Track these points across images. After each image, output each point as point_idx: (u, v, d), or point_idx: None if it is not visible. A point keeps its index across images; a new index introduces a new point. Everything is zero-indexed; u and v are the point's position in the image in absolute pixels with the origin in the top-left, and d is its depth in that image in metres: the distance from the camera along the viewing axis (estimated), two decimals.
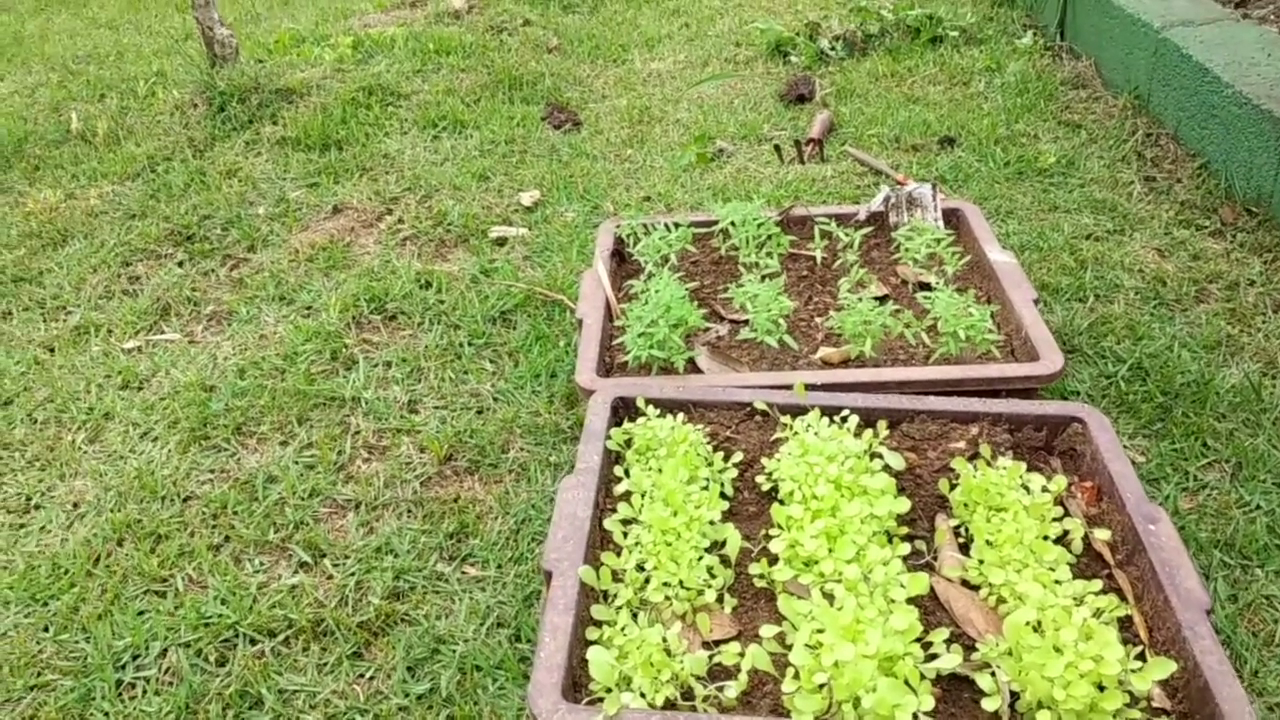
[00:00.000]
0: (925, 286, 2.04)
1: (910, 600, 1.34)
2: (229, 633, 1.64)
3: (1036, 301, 1.92)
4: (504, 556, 1.77)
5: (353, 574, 1.74)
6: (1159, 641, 1.34)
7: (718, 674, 1.30)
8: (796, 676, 1.22)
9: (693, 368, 1.87)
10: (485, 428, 2.07)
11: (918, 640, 1.25)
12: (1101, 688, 1.21)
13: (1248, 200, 2.63)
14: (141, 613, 1.70)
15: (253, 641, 1.63)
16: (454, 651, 1.59)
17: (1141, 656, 1.32)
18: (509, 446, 2.03)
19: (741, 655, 1.27)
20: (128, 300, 2.65)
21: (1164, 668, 1.19)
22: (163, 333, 2.52)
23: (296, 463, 2.01)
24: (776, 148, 3.10)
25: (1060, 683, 1.20)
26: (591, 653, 1.24)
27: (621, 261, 2.22)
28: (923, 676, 1.25)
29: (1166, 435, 1.97)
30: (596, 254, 2.14)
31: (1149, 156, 2.97)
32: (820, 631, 1.24)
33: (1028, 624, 1.27)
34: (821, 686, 1.20)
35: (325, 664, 1.59)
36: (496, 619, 1.65)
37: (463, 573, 1.75)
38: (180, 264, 2.80)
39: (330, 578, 1.75)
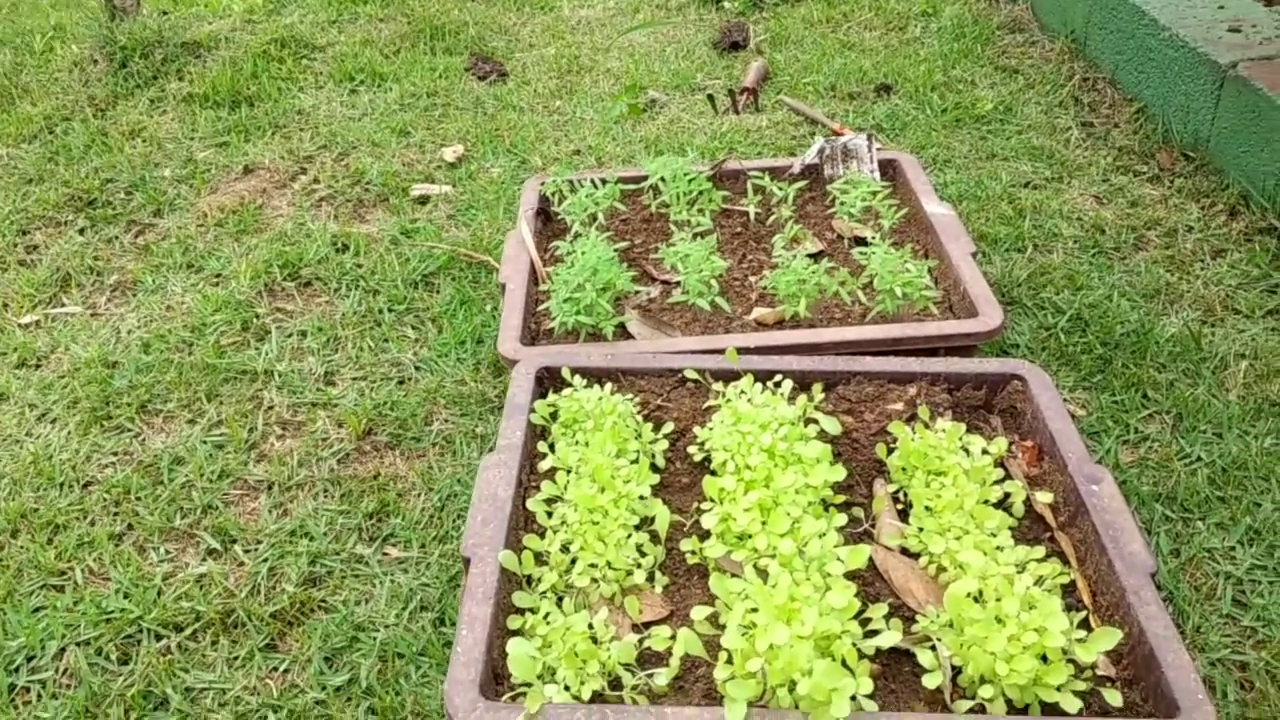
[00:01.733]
0: (861, 241, 1.97)
1: (849, 574, 1.28)
2: (132, 629, 1.54)
3: (975, 255, 1.86)
4: (427, 536, 1.68)
5: (265, 560, 1.64)
6: (1103, 606, 1.30)
7: (649, 659, 1.23)
8: (730, 660, 1.16)
9: (623, 333, 1.78)
10: (407, 399, 1.97)
11: (856, 616, 1.19)
12: (1045, 659, 1.16)
13: (1185, 145, 2.60)
14: (37, 609, 1.59)
15: (158, 637, 1.53)
16: (374, 639, 1.51)
17: (1086, 624, 1.28)
18: (432, 418, 1.93)
19: (673, 639, 1.20)
20: (24, 271, 2.48)
21: (1109, 638, 1.14)
22: (63, 305, 2.36)
23: (205, 442, 1.89)
24: (710, 98, 3.00)
25: (1003, 656, 1.15)
26: (512, 644, 1.17)
27: (548, 220, 2.11)
28: (861, 655, 1.19)
29: (1107, 387, 1.94)
30: (520, 214, 2.03)
31: (1086, 101, 2.93)
32: (754, 611, 1.17)
33: (969, 595, 1.22)
34: (756, 671, 1.13)
35: (236, 658, 1.50)
36: (420, 602, 1.57)
37: (383, 554, 1.66)
38: (81, 231, 2.63)
39: (241, 565, 1.64)
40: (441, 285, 2.30)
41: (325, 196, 2.68)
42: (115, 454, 1.89)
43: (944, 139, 2.78)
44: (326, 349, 2.13)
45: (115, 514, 1.75)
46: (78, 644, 1.52)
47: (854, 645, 1.17)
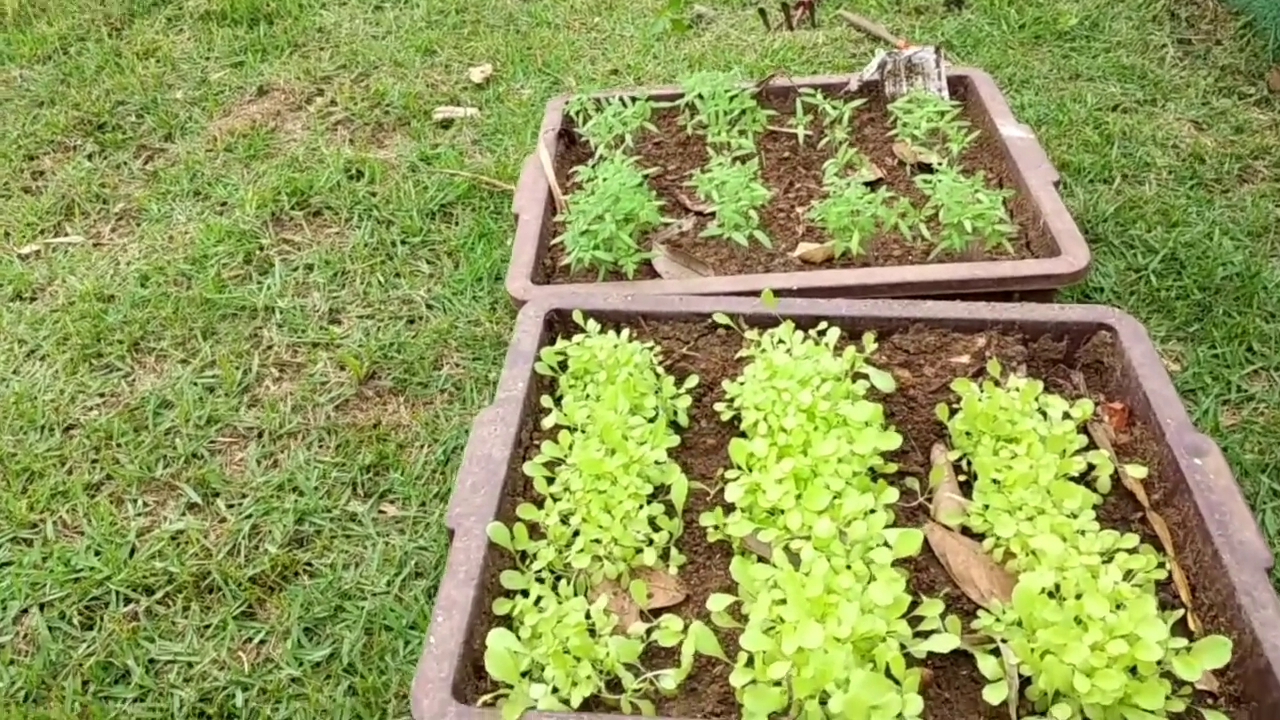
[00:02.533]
0: (926, 169, 1.73)
1: (899, 560, 1.08)
2: (99, 590, 1.40)
3: (1057, 184, 1.61)
4: (428, 493, 1.52)
5: (249, 517, 1.49)
6: (1205, 605, 1.08)
7: (657, 655, 1.05)
8: (750, 663, 0.97)
9: (649, 271, 1.57)
10: (416, 340, 1.80)
11: (906, 614, 0.99)
12: (1135, 671, 0.96)
13: None
14: (2, 565, 1.46)
15: (125, 600, 1.39)
16: (361, 609, 1.35)
17: (1184, 625, 1.07)
18: (442, 362, 1.76)
19: (685, 632, 1.01)
20: (29, 199, 2.33)
21: (1218, 651, 0.93)
22: (65, 235, 2.22)
23: (195, 384, 1.74)
24: (761, 11, 2.72)
25: (1084, 668, 0.94)
26: (493, 636, 0.99)
27: (572, 144, 1.90)
28: (911, 661, 1.00)
29: (1205, 338, 1.69)
30: (540, 136, 1.82)
31: (1184, 16, 2.61)
32: (782, 604, 0.98)
33: (1043, 590, 1.02)
34: (781, 678, 0.95)
35: (208, 626, 1.35)
36: (414, 568, 1.41)
37: (379, 513, 1.50)
38: (90, 157, 2.47)
39: (223, 521, 1.50)
40: (461, 216, 2.11)
41: (342, 120, 2.49)
42: (101, 395, 1.75)
43: (1022, 57, 2.49)
44: (333, 284, 1.96)
45: (95, 461, 1.61)
46: (40, 606, 1.39)
47: (902, 650, 0.97)
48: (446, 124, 2.45)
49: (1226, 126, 2.20)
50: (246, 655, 1.32)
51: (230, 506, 1.52)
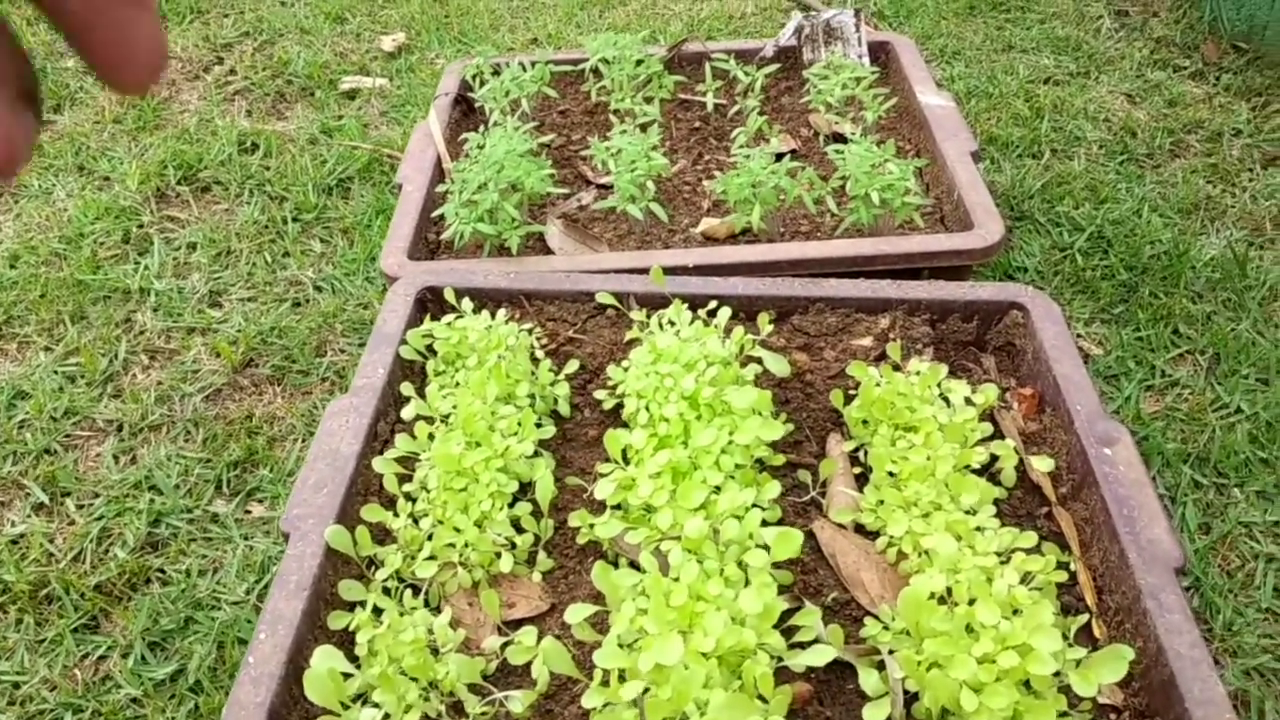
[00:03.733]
0: (840, 139, 1.63)
1: (783, 562, 0.98)
2: None
3: (977, 156, 1.52)
4: None
5: (99, 518, 1.37)
6: (1110, 609, 1.00)
7: (512, 673, 0.95)
8: (606, 682, 0.87)
9: (543, 248, 1.46)
10: (300, 324, 1.67)
11: (781, 623, 0.90)
12: (1029, 685, 0.87)
13: (1235, 35, 2.22)
14: None
15: None
16: (214, 620, 1.24)
17: (1088, 631, 0.99)
18: (326, 348, 1.64)
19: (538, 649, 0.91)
20: None
21: (1117, 663, 0.84)
22: None
23: (56, 373, 1.60)
24: None
25: (973, 683, 0.86)
26: (318, 656, 0.88)
27: (470, 112, 1.78)
28: (790, 676, 0.91)
29: (1130, 320, 1.61)
30: (433, 102, 1.70)
31: None
32: (644, 614, 0.88)
33: (931, 595, 0.93)
34: (637, 699, 0.85)
35: (42, 641, 1.23)
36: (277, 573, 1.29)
37: (244, 513, 1.38)
38: None
39: (71, 524, 1.37)
40: (359, 191, 1.98)
41: (240, 90, 2.34)
42: None
43: (955, 28, 2.40)
44: (216, 264, 1.83)
45: None
46: None
47: (777, 663, 0.88)
48: (352, 95, 2.31)
49: (1160, 99, 2.12)
50: (82, 673, 1.20)
51: (80, 507, 1.39)
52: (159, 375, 1.60)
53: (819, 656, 0.88)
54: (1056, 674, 0.86)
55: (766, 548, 0.94)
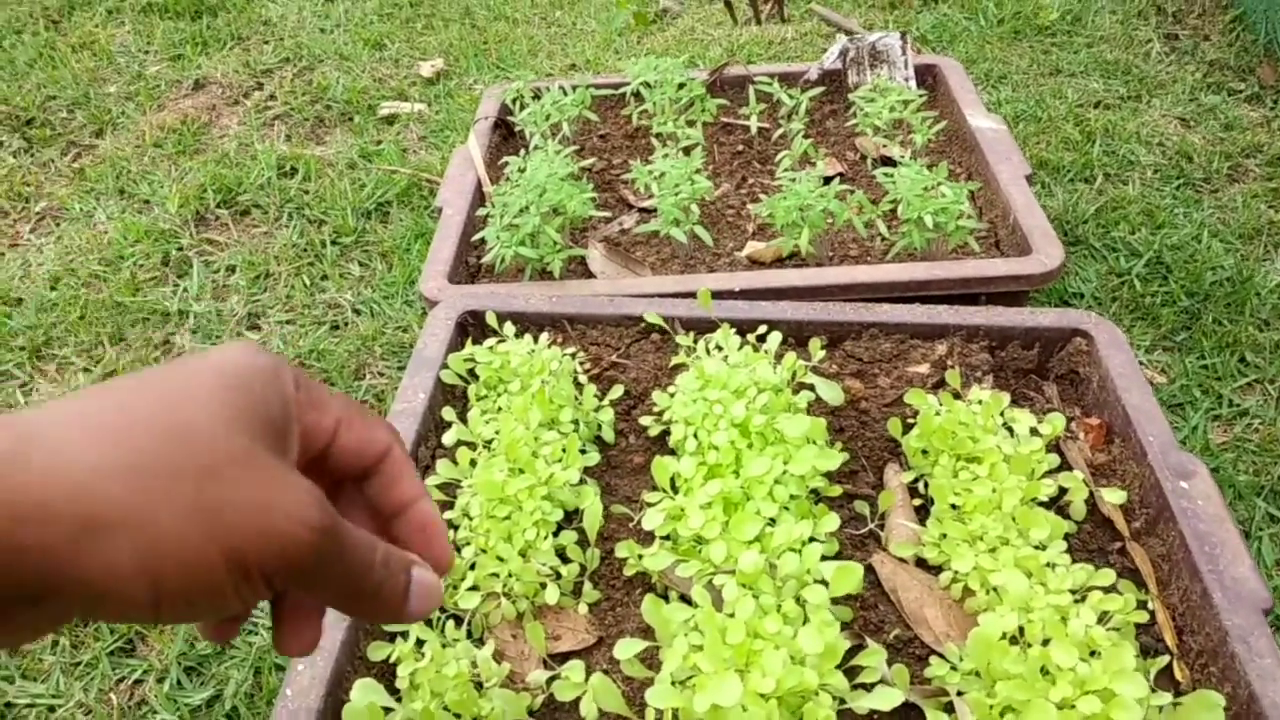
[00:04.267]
0: (889, 161, 1.59)
1: (840, 599, 0.93)
2: None
3: (1030, 179, 1.48)
4: None
5: None
6: (1192, 651, 0.94)
7: (558, 710, 0.90)
8: None
9: (584, 272, 1.43)
10: (339, 347, 1.65)
11: (843, 660, 0.85)
12: None
13: None
14: None
15: None
16: (250, 645, 1.20)
17: (1169, 674, 0.93)
18: (364, 371, 1.61)
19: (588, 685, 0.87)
20: None
21: (1209, 713, 0.79)
22: None
23: None
24: (729, 4, 2.60)
25: None
26: (358, 690, 0.84)
27: (509, 136, 1.76)
28: (850, 719, 0.86)
29: (1194, 348, 1.55)
30: (473, 126, 1.69)
31: (1170, 10, 2.49)
32: (698, 650, 0.84)
33: (1003, 635, 0.88)
34: None
35: (78, 664, 1.20)
36: None
37: None
38: (15, 154, 2.33)
39: None
40: (398, 215, 1.97)
41: (280, 115, 2.34)
42: None
43: (1000, 52, 2.36)
44: (254, 287, 1.81)
45: None
46: None
47: (839, 705, 0.83)
48: (391, 120, 2.31)
49: (1215, 123, 2.07)
50: (118, 697, 1.17)
51: None
52: None
53: (886, 700, 0.83)
54: None
55: (825, 583, 0.89)
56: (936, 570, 1.03)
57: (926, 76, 1.78)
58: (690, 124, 1.63)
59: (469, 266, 1.46)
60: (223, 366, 0.46)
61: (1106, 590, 0.92)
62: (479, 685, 0.88)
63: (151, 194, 2.07)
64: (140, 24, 2.79)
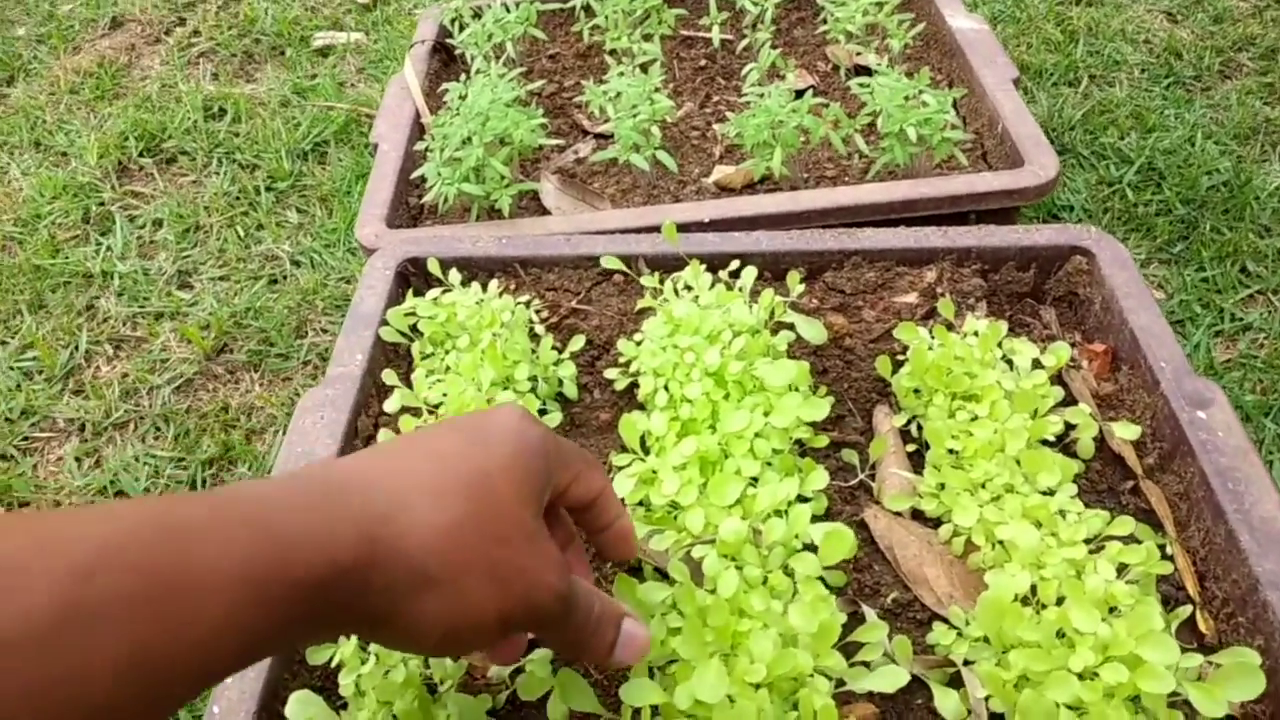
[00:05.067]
0: (864, 71, 1.47)
1: (831, 566, 0.84)
2: None
3: (1017, 83, 1.36)
4: None
5: None
6: (1216, 599, 0.86)
7: (524, 709, 0.81)
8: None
9: (538, 208, 1.31)
10: (277, 303, 1.53)
11: (839, 638, 0.76)
12: (1137, 701, 0.73)
13: None
14: None
15: None
16: None
17: (1190, 625, 0.85)
18: (306, 328, 1.49)
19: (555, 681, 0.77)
20: None
21: (1249, 678, 0.70)
22: None
23: (13, 369, 1.46)
24: None
25: (1072, 702, 0.72)
26: (294, 703, 0.75)
27: (450, 61, 1.62)
28: (849, 698, 0.77)
29: (1192, 259, 1.46)
30: (409, 52, 1.54)
31: None
32: (676, 634, 0.75)
33: (1015, 597, 0.79)
34: None
35: None
36: None
37: None
38: None
39: None
40: (337, 155, 1.82)
41: (205, 51, 2.17)
42: None
43: None
44: (184, 241, 1.67)
45: None
46: None
47: (837, 687, 0.74)
48: (326, 52, 2.14)
49: (1204, 16, 1.95)
50: None
51: None
52: (124, 367, 1.45)
53: (890, 680, 0.74)
54: (1176, 695, 0.72)
55: (814, 548, 0.80)
56: (935, 523, 0.94)
57: None
58: (647, 38, 1.49)
59: (410, 208, 1.33)
60: (513, 437, 0.54)
61: (1125, 541, 0.83)
62: (433, 689, 0.78)
63: (69, 145, 1.91)
64: None
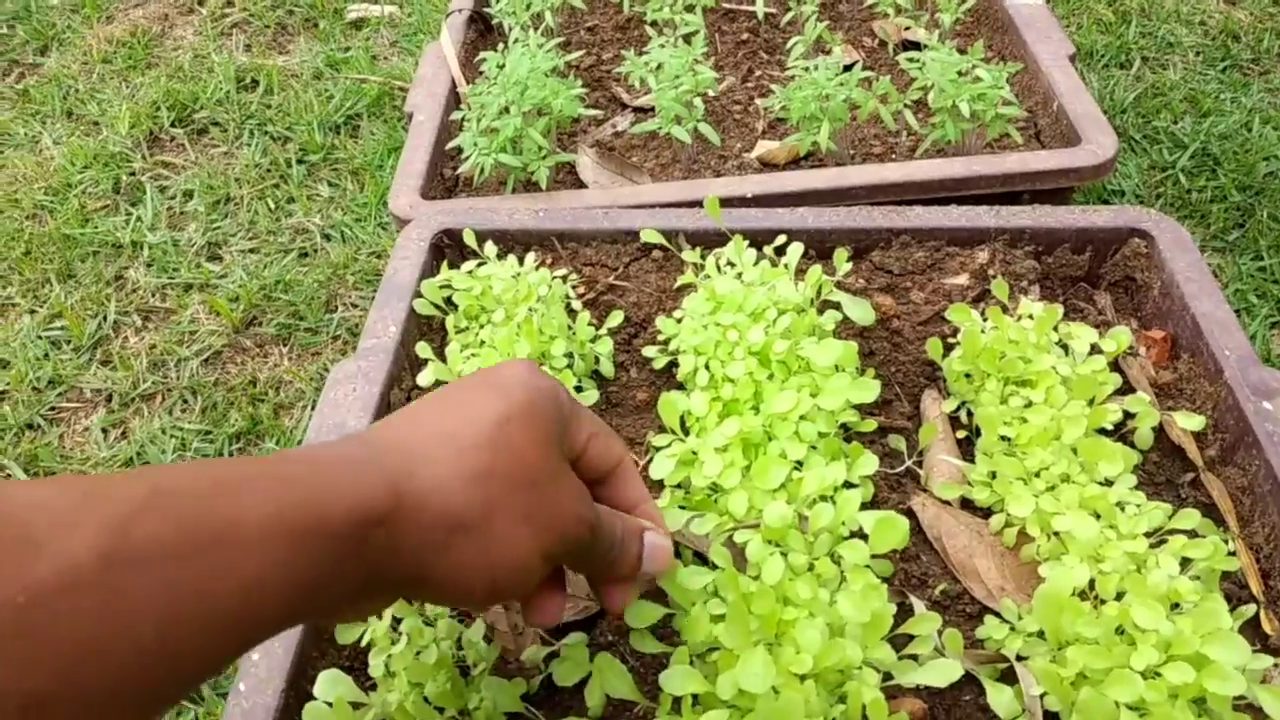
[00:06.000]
0: (913, 46, 1.42)
1: (880, 555, 0.81)
2: None
3: (1074, 59, 1.31)
4: None
5: None
6: None
7: (558, 693, 0.78)
8: (677, 708, 0.71)
9: (575, 181, 1.28)
10: (307, 277, 1.50)
11: (890, 633, 0.73)
12: (1203, 703, 0.70)
13: None
14: None
15: None
16: None
17: (1254, 626, 0.81)
18: (336, 302, 1.47)
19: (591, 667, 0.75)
20: None
21: None
22: None
23: (40, 338, 1.45)
24: None
25: (1134, 702, 0.68)
26: (322, 682, 0.72)
27: (488, 31, 1.58)
28: (898, 692, 0.74)
29: (1247, 248, 1.41)
30: (445, 21, 1.51)
31: None
32: (719, 620, 0.72)
33: (1074, 591, 0.75)
34: None
35: None
36: None
37: None
38: None
39: None
40: (369, 128, 1.80)
41: (238, 22, 2.15)
42: None
43: None
44: (214, 213, 1.66)
45: None
46: None
47: (886, 681, 0.71)
48: (360, 24, 2.12)
49: None
50: None
51: None
52: (152, 338, 1.44)
53: (942, 674, 0.71)
54: (1244, 699, 0.69)
55: (864, 536, 0.76)
56: (985, 513, 0.90)
57: None
58: (689, 9, 1.45)
59: (444, 180, 1.30)
60: (525, 384, 0.55)
61: (1190, 535, 0.79)
62: (465, 671, 0.76)
63: (101, 114, 1.90)
64: None
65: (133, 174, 1.74)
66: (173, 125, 1.84)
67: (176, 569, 0.38)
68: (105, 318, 1.47)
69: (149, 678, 0.38)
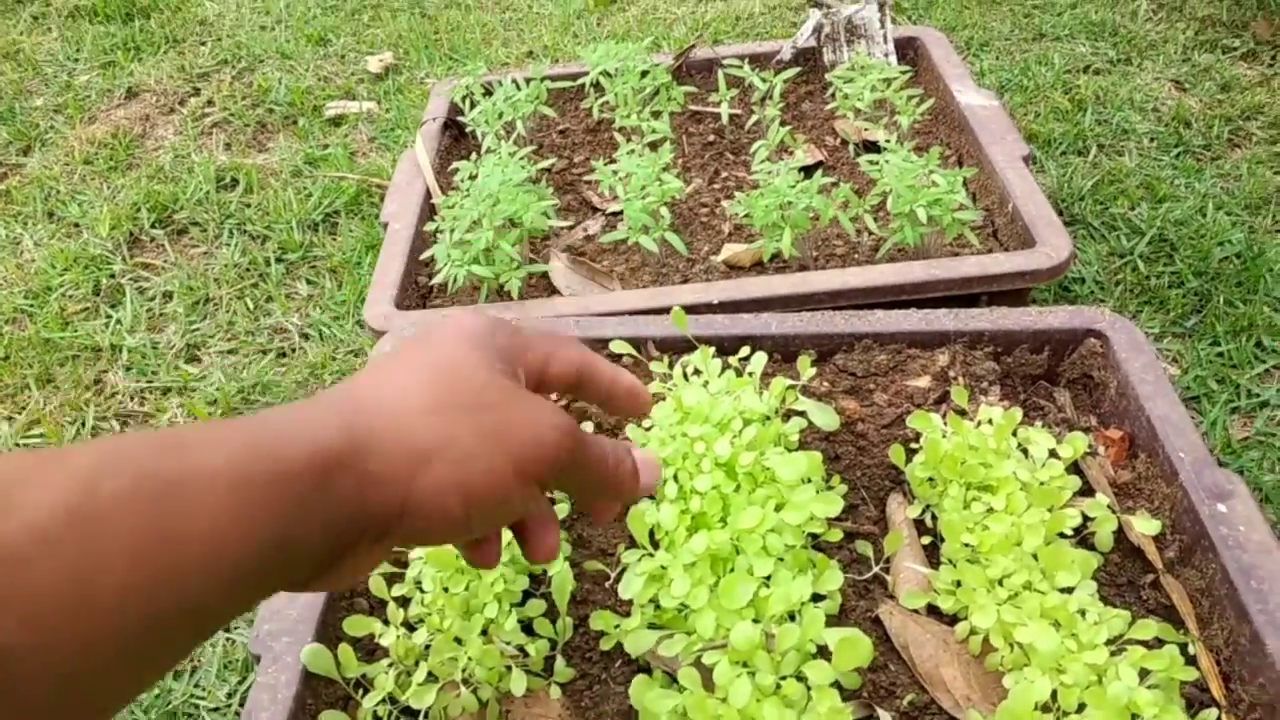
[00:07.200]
0: (872, 147, 1.47)
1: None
2: None
3: (1028, 159, 1.36)
4: None
5: None
6: (1242, 703, 0.83)
7: None
8: None
9: (549, 287, 1.31)
10: (285, 378, 1.52)
11: None
12: None
13: None
14: None
15: None
16: None
17: None
18: None
19: None
20: None
21: None
22: None
23: (18, 445, 1.45)
24: None
25: None
26: (349, 625, 0.73)
27: (461, 138, 1.63)
28: None
29: (1205, 333, 1.44)
30: (420, 129, 1.55)
31: None
32: None
33: (1037, 705, 0.76)
34: None
35: None
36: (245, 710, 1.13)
37: None
38: None
39: None
40: (347, 226, 1.83)
41: (218, 121, 2.20)
42: None
43: (979, 18, 2.24)
44: (193, 314, 1.68)
45: None
46: None
47: None
48: (338, 121, 2.17)
49: (1211, 84, 1.95)
50: None
51: None
52: None
53: None
54: None
55: (823, 659, 0.78)
56: (951, 619, 0.92)
57: (908, 50, 1.65)
58: (656, 115, 1.49)
59: (419, 287, 1.33)
60: (462, 329, 0.56)
61: (1148, 646, 0.81)
62: None
63: (81, 216, 1.93)
64: (68, 30, 2.62)
65: (113, 276, 1.76)
66: (153, 226, 1.87)
67: (136, 519, 0.39)
68: (84, 423, 1.48)
69: (124, 629, 0.38)
